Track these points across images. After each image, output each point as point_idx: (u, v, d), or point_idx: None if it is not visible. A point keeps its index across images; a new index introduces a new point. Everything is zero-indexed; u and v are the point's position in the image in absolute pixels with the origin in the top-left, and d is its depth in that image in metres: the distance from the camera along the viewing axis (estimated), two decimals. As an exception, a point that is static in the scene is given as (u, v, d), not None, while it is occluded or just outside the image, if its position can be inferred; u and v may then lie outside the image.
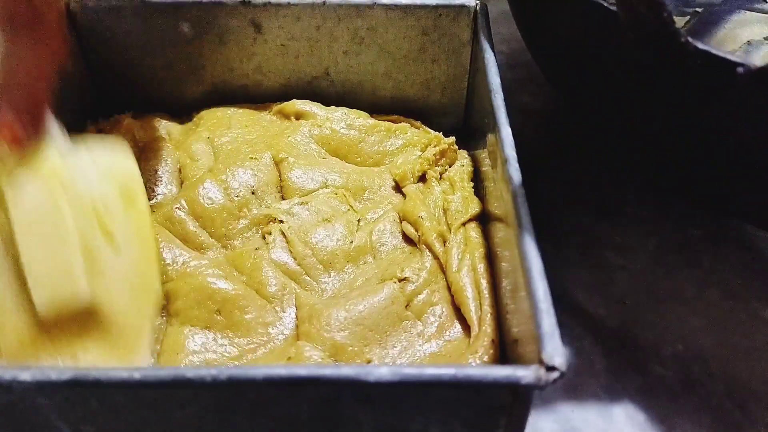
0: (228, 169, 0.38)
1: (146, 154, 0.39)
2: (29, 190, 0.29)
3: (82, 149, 0.32)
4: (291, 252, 0.35)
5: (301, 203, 0.37)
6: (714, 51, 0.27)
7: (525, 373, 0.23)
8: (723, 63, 0.27)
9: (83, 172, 0.31)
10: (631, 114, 0.36)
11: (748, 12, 0.39)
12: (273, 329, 0.32)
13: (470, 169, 0.40)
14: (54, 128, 0.31)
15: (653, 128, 0.35)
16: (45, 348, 0.29)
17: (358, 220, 0.37)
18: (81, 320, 0.29)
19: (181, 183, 0.39)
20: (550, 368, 0.23)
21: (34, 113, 0.30)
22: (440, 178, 0.39)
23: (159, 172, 0.39)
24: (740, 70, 0.27)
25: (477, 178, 0.39)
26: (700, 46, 0.27)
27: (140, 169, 0.33)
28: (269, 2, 0.41)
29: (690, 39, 0.27)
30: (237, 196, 0.37)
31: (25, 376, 0.23)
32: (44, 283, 0.29)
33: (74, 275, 0.29)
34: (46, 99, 0.30)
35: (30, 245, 0.29)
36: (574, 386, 0.34)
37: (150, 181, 0.38)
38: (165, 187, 0.39)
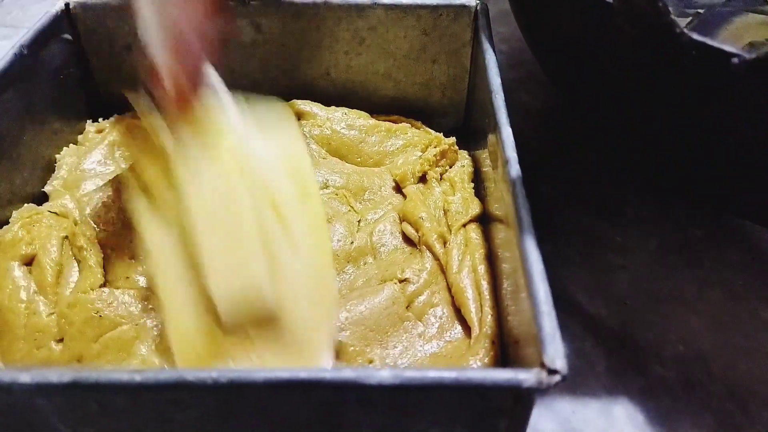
0: (228, 170, 0.38)
1: (146, 155, 0.39)
2: (207, 179, 0.25)
3: (251, 122, 0.26)
4: (291, 253, 0.35)
5: (302, 204, 0.37)
6: (709, 42, 0.27)
7: (526, 377, 0.23)
8: (718, 54, 0.27)
9: (258, 154, 0.26)
10: (632, 112, 0.36)
11: (750, 14, 0.38)
12: (273, 330, 0.32)
13: (471, 169, 0.40)
14: (220, 87, 0.26)
15: (653, 126, 0.35)
16: (221, 359, 0.26)
17: (359, 221, 0.37)
18: (259, 328, 0.26)
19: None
20: (552, 371, 0.23)
21: (195, 66, 0.26)
22: (440, 179, 0.39)
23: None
24: (735, 60, 0.26)
25: (477, 179, 0.39)
26: (695, 36, 0.27)
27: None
28: (269, 2, 0.40)
29: (686, 30, 0.27)
30: (237, 197, 0.37)
31: (25, 378, 0.23)
32: (227, 286, 0.25)
33: (257, 277, 0.25)
34: (204, 50, 0.26)
35: (209, 243, 0.25)
36: (574, 386, 0.34)
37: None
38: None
